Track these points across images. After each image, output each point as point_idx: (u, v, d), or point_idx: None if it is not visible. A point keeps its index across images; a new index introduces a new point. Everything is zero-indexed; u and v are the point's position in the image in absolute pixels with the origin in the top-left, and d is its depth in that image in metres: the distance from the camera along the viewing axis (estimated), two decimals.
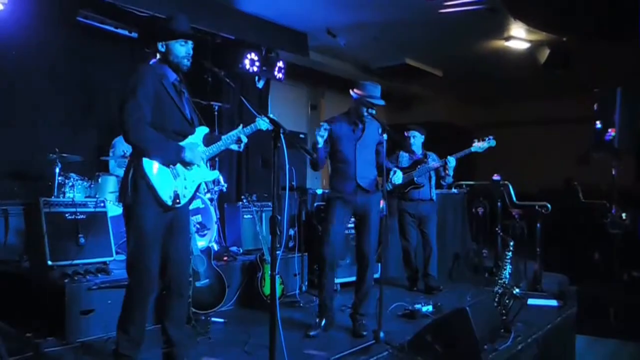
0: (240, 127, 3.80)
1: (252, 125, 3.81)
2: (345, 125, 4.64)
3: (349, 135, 4.61)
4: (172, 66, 3.46)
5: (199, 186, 3.69)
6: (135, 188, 3.30)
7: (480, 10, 6.76)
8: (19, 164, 5.67)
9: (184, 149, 3.43)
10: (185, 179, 3.51)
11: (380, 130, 4.52)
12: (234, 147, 3.81)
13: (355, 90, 4.59)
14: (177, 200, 3.42)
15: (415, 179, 6.17)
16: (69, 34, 6.14)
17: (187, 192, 3.52)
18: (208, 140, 3.72)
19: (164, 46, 3.44)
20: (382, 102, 4.59)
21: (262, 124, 3.74)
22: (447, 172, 6.03)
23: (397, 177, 5.06)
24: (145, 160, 3.31)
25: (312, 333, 4.55)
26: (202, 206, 5.83)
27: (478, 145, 6.00)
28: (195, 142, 3.59)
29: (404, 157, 6.33)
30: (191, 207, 5.57)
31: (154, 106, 3.32)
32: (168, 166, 3.39)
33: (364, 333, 4.51)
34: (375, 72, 9.77)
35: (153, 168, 3.33)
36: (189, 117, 3.55)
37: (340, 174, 4.66)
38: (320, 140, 4.45)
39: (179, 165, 3.47)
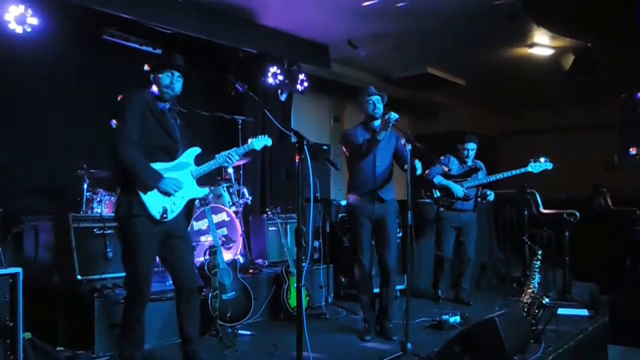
0: (235, 148, 4.04)
1: (246, 145, 4.13)
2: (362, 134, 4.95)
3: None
4: (161, 95, 3.77)
5: (190, 201, 3.95)
6: (129, 204, 3.57)
7: (502, 18, 6.70)
8: (48, 180, 5.76)
9: (163, 178, 3.64)
10: (175, 195, 3.74)
11: (396, 141, 4.81)
12: (227, 164, 4.06)
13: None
14: (165, 215, 3.66)
15: (465, 189, 6.06)
16: (94, 52, 6.26)
17: (175, 207, 3.75)
18: (201, 160, 3.96)
19: (154, 77, 3.80)
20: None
21: (256, 143, 4.11)
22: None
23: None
24: None
25: (367, 337, 4.79)
26: (227, 219, 5.88)
27: (534, 165, 5.93)
28: (186, 161, 3.87)
29: (455, 164, 6.17)
30: (216, 220, 5.69)
31: (140, 127, 3.62)
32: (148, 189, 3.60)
33: (394, 337, 4.72)
34: (397, 82, 9.75)
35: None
36: (174, 136, 3.79)
37: (357, 183, 4.90)
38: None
39: None
